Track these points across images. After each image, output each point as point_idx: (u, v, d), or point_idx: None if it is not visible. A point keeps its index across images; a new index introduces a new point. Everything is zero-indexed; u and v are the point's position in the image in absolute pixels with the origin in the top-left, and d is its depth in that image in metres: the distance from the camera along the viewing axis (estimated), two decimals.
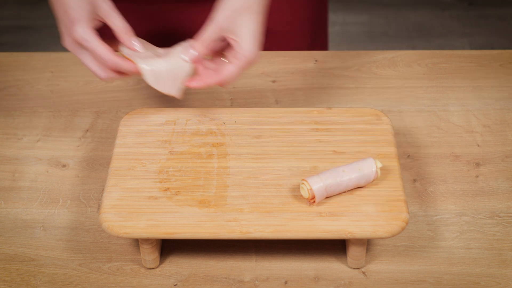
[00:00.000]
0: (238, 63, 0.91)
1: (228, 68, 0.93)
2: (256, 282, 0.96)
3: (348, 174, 0.95)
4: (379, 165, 0.96)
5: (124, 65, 0.96)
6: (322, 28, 1.37)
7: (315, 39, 1.35)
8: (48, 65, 1.29)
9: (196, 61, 0.97)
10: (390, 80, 1.25)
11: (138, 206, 0.95)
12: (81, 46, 0.93)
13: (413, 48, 2.77)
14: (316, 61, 1.28)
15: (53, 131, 1.16)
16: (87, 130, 1.17)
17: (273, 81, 1.24)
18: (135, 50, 0.97)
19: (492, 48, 2.74)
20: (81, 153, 1.13)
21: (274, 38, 1.29)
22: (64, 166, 1.11)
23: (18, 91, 1.24)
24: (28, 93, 1.24)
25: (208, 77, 0.95)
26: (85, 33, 0.93)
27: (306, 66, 1.27)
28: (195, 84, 0.97)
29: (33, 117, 1.19)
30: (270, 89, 1.23)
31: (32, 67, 1.28)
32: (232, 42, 0.93)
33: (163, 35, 1.29)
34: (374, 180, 0.97)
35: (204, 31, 0.93)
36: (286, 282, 0.96)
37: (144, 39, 1.25)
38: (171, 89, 1.01)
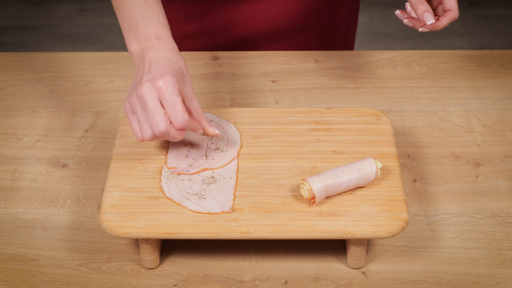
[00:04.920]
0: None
1: (450, 3, 1.01)
2: (256, 282, 0.96)
3: (348, 174, 0.95)
4: (379, 165, 0.96)
5: (194, 125, 0.95)
6: (352, 28, 1.40)
7: (345, 37, 1.39)
8: (48, 65, 1.29)
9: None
10: (390, 80, 1.25)
11: (138, 206, 0.95)
12: (160, 96, 0.91)
13: (413, 48, 2.77)
14: (316, 61, 1.28)
15: (53, 131, 1.17)
16: (87, 130, 1.17)
17: (273, 81, 1.24)
18: (215, 135, 0.98)
19: (492, 48, 2.74)
20: (81, 153, 1.13)
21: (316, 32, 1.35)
22: (64, 166, 1.11)
23: (18, 91, 1.24)
24: (28, 93, 1.24)
25: (445, 19, 1.02)
26: (173, 86, 0.91)
27: (306, 66, 1.27)
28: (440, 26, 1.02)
29: (33, 117, 1.19)
30: (270, 89, 1.23)
31: (32, 67, 1.28)
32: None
33: (212, 32, 1.31)
34: (374, 180, 0.97)
35: None
36: (286, 282, 0.96)
37: (194, 37, 1.30)
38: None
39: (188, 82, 0.96)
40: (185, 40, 1.32)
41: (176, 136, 0.94)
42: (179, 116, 0.93)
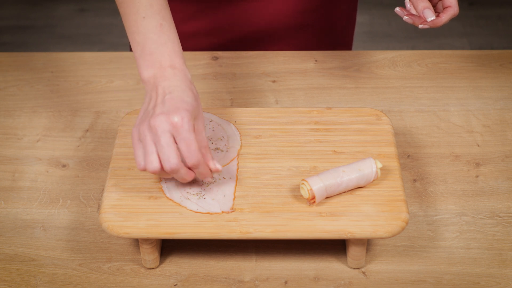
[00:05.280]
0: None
1: (450, 1, 1.02)
2: (256, 282, 0.96)
3: (348, 174, 0.95)
4: (379, 165, 0.96)
5: (203, 170, 0.93)
6: (350, 27, 1.40)
7: (343, 36, 1.39)
8: (48, 65, 1.29)
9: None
10: (390, 80, 1.25)
11: (138, 206, 0.95)
12: (175, 131, 0.90)
13: (413, 48, 2.77)
14: (316, 61, 1.28)
15: (53, 131, 1.17)
16: (87, 130, 1.17)
17: (273, 81, 1.24)
18: (217, 170, 0.95)
19: (492, 48, 2.74)
20: (81, 153, 1.13)
21: (309, 33, 1.35)
22: (64, 166, 1.11)
23: (18, 91, 1.24)
24: (28, 93, 1.24)
25: (446, 16, 1.03)
26: (188, 123, 0.90)
27: (306, 66, 1.27)
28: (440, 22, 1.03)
29: (33, 117, 1.19)
30: (270, 89, 1.23)
31: (32, 67, 1.28)
32: None
33: (211, 32, 1.31)
34: (374, 180, 0.97)
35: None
36: (286, 282, 0.96)
37: (193, 37, 1.30)
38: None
39: (200, 114, 0.94)
40: (185, 39, 1.32)
41: (185, 175, 0.92)
42: (194, 154, 0.91)
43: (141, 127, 0.92)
